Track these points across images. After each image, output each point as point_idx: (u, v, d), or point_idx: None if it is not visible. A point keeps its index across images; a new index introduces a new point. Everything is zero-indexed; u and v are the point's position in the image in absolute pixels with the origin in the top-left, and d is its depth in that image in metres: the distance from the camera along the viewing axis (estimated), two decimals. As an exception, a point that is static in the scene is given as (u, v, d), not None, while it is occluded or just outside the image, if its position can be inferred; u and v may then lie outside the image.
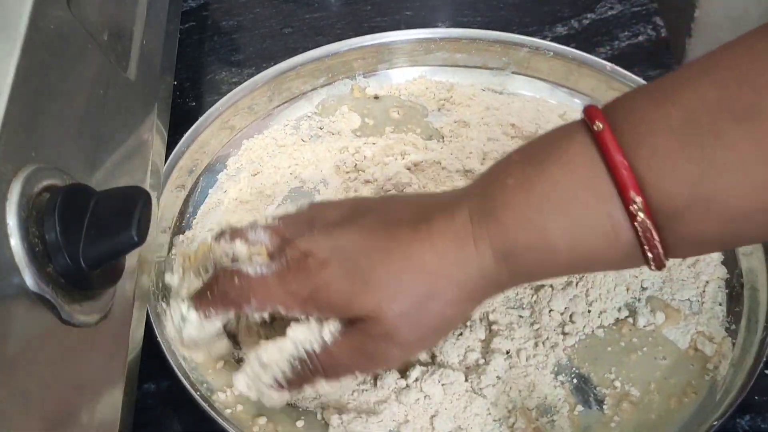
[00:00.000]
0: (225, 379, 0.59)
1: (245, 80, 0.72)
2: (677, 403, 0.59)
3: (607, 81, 0.73)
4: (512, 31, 0.75)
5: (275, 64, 0.73)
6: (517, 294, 0.63)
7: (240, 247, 0.55)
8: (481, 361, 0.60)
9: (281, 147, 0.72)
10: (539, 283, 0.63)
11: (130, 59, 0.57)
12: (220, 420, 0.55)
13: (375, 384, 0.59)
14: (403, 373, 0.59)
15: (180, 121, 0.68)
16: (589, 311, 0.63)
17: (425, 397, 0.58)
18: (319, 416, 0.58)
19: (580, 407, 0.59)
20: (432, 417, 0.58)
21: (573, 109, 0.73)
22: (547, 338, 0.61)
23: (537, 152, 0.49)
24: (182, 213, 0.67)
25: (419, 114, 0.75)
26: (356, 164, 0.70)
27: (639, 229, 0.46)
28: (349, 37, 0.75)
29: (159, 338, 0.57)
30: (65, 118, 0.46)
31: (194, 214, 0.68)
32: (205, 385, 0.59)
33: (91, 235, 0.42)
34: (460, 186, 0.64)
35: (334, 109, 0.74)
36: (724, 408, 0.55)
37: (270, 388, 0.53)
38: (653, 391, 0.60)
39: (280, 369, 0.52)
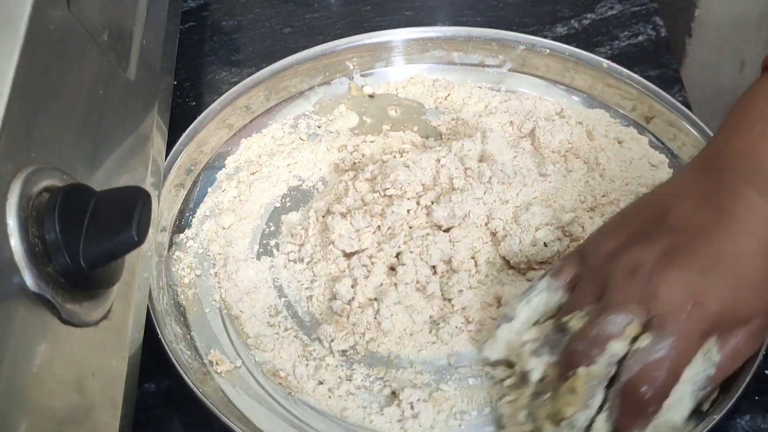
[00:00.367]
0: (225, 377, 0.59)
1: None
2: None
3: (604, 78, 0.73)
4: (511, 31, 0.75)
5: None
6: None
7: (616, 345, 0.52)
8: None
9: (279, 146, 0.72)
10: None
11: (130, 59, 0.57)
12: (223, 417, 0.54)
13: None
14: None
15: (180, 120, 0.68)
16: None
17: None
18: None
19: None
20: None
21: (570, 105, 0.73)
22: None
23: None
24: (181, 212, 0.67)
25: (417, 112, 0.74)
26: (355, 162, 0.70)
27: None
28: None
29: (159, 337, 0.57)
30: (65, 118, 0.46)
31: (194, 213, 0.68)
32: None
33: (91, 235, 0.42)
34: (457, 185, 0.64)
35: (332, 107, 0.74)
36: (723, 408, 0.55)
37: None
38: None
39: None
